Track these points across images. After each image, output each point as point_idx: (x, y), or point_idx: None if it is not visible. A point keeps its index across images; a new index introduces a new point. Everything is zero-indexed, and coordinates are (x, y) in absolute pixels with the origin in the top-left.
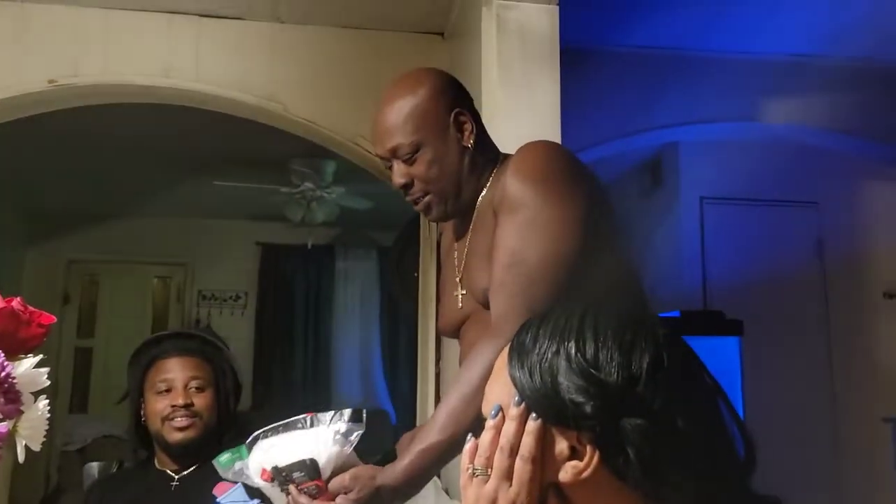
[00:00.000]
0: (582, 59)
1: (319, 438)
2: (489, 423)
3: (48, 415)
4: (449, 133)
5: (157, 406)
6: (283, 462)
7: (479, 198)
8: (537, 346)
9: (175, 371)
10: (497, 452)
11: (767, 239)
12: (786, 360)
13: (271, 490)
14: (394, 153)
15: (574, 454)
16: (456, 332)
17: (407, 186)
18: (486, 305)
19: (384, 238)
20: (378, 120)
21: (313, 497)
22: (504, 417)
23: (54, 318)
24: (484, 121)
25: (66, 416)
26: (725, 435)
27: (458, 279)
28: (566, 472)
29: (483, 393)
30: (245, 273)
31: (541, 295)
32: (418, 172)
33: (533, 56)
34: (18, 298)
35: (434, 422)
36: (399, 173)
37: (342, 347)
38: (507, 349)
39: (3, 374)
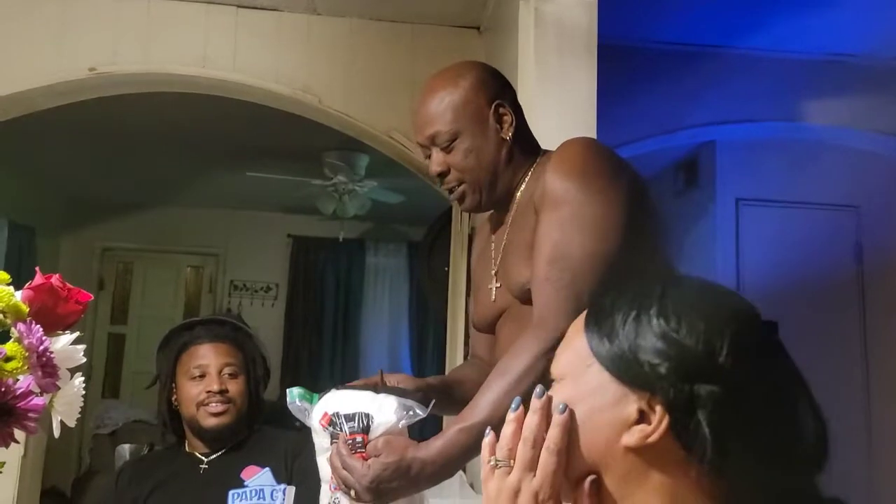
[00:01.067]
0: (619, 55)
1: (384, 403)
2: (510, 416)
3: (83, 393)
4: (488, 124)
5: (192, 391)
6: (344, 410)
7: (518, 192)
8: (617, 309)
9: (209, 357)
10: (520, 444)
11: (804, 242)
12: (821, 365)
13: (322, 436)
14: (432, 140)
15: (642, 418)
16: (491, 327)
17: (443, 174)
18: (523, 300)
19: (415, 233)
20: (419, 107)
21: (354, 450)
22: (524, 410)
23: (91, 296)
24: None
25: (98, 401)
26: (800, 423)
27: (493, 272)
28: (632, 436)
29: (524, 385)
30: (276, 265)
31: (585, 290)
32: (455, 161)
33: (570, 51)
34: (57, 275)
35: (474, 407)
36: (436, 161)
37: (371, 341)
38: (583, 314)
39: (42, 348)
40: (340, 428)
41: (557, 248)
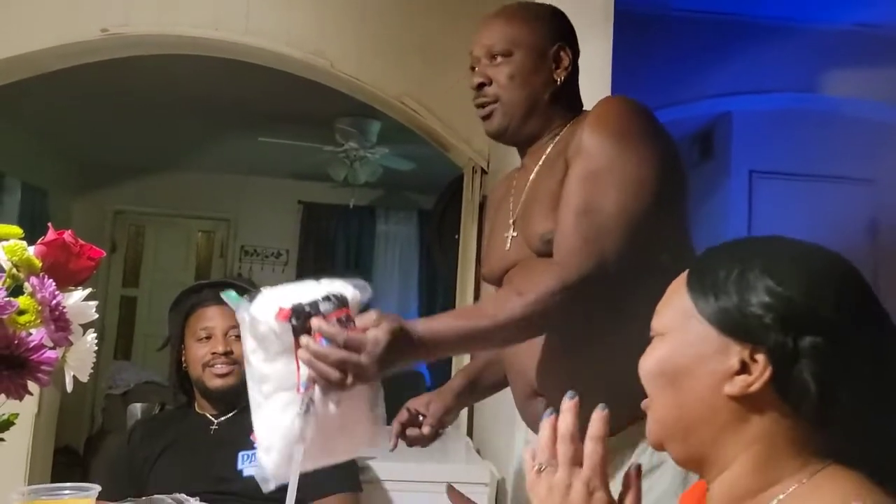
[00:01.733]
0: (636, 22)
1: (334, 285)
2: (544, 422)
3: (95, 349)
4: (545, 59)
5: (198, 353)
6: (304, 300)
7: (551, 144)
8: (720, 266)
9: (215, 319)
10: (559, 443)
11: (818, 216)
12: None
13: (280, 336)
14: (487, 51)
15: (743, 369)
16: (500, 280)
17: (482, 86)
18: (540, 252)
19: (425, 201)
20: (485, 20)
21: (344, 326)
22: (556, 416)
23: (103, 253)
24: None
25: (111, 361)
26: None
27: (511, 221)
28: (734, 385)
29: (530, 311)
30: (287, 231)
31: (611, 246)
32: (499, 77)
33: (586, 17)
34: (70, 231)
35: (480, 306)
36: (480, 73)
37: (380, 307)
38: (685, 273)
39: (54, 302)
40: (310, 314)
41: (589, 201)
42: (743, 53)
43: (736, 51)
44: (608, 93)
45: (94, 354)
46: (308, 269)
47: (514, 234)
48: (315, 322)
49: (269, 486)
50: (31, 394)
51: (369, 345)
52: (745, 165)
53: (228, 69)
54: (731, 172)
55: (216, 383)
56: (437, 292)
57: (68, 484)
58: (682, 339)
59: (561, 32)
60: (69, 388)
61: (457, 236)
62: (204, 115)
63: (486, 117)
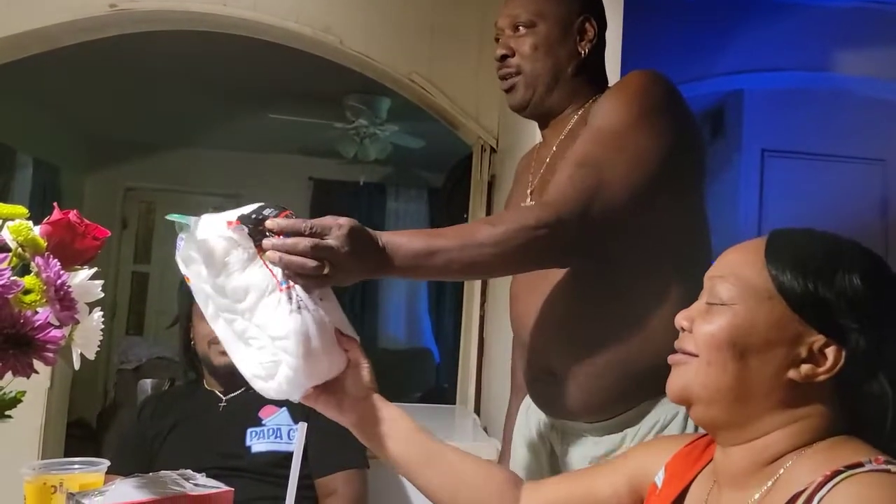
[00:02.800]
0: (646, 1)
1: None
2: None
3: (102, 327)
4: (570, 31)
5: (204, 329)
6: (247, 210)
7: (574, 118)
8: (809, 254)
9: None
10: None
11: (829, 195)
12: None
13: (238, 238)
14: (511, 21)
15: (810, 358)
16: None
17: (505, 57)
18: None
19: (436, 179)
20: None
21: None
22: None
23: (109, 232)
24: None
25: (123, 337)
26: None
27: (529, 191)
28: (798, 372)
29: (499, 247)
30: (297, 207)
31: (600, 204)
32: (522, 48)
33: None
34: (74, 211)
35: (450, 228)
36: (503, 44)
37: (389, 286)
38: (762, 247)
39: (59, 281)
40: (259, 219)
41: (590, 155)
42: (754, 31)
43: (747, 29)
44: (618, 71)
45: (102, 332)
46: None
47: (531, 202)
48: (270, 222)
49: (295, 396)
50: (37, 372)
51: (334, 228)
52: (756, 144)
53: (238, 46)
54: (742, 151)
55: (221, 360)
56: None
57: (78, 459)
58: (758, 317)
59: (587, 4)
60: (76, 365)
61: (465, 215)
62: (214, 91)
63: (508, 90)
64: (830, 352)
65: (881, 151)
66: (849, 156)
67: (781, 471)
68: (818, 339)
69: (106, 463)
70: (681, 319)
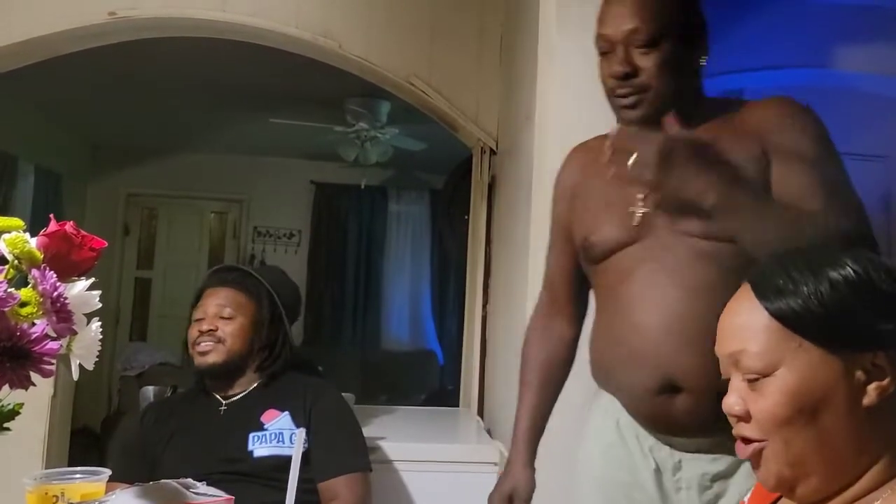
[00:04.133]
0: None
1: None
2: None
3: (101, 336)
4: (691, 45)
5: (191, 333)
6: None
7: (701, 126)
8: (799, 281)
9: (209, 300)
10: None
11: None
12: None
13: None
14: (627, 36)
15: (870, 377)
16: (608, 252)
17: (628, 76)
18: (699, 234)
19: (437, 181)
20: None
21: None
22: None
23: (105, 243)
24: (539, 63)
25: (126, 344)
26: None
27: (641, 196)
28: (870, 396)
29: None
30: (299, 211)
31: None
32: (648, 67)
33: None
34: (71, 223)
35: None
36: (623, 60)
37: (392, 288)
38: (753, 297)
39: (56, 293)
40: None
41: (834, 194)
42: (754, 29)
43: (747, 26)
44: None
45: (101, 342)
46: (321, 249)
47: (646, 209)
48: None
49: None
50: (34, 385)
51: None
52: None
53: (239, 50)
54: None
55: (199, 361)
56: (449, 272)
57: (79, 468)
58: (800, 370)
59: (698, 12)
60: (75, 375)
61: (466, 216)
62: (215, 96)
63: (631, 106)
64: (881, 360)
65: (883, 148)
66: (850, 153)
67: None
68: (864, 356)
69: (107, 472)
70: (732, 409)
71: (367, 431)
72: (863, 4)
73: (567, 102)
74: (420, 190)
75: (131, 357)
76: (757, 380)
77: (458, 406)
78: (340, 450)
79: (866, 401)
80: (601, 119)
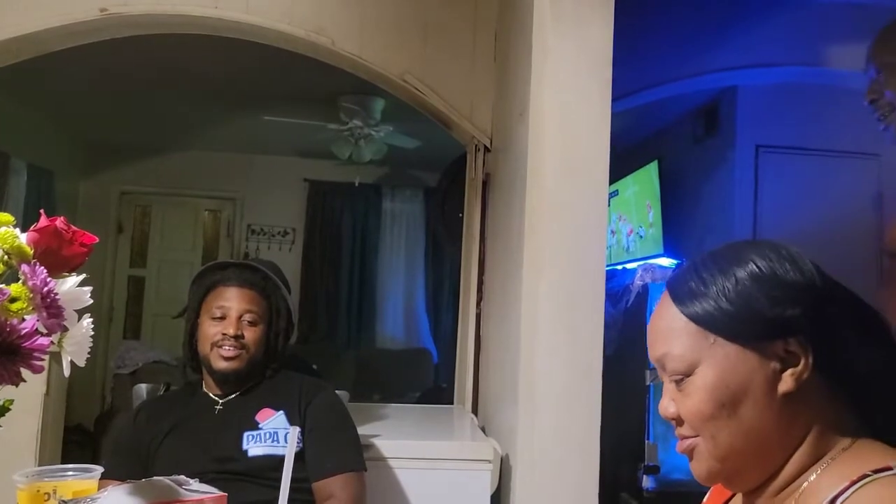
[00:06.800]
0: None
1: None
2: None
3: (92, 333)
4: None
5: (210, 330)
6: None
7: None
8: (710, 283)
9: (233, 300)
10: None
11: (824, 191)
12: None
13: None
14: (879, 63)
15: (786, 364)
16: None
17: (874, 101)
18: None
19: (431, 178)
20: (879, 34)
21: None
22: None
23: (97, 238)
24: (533, 60)
25: (120, 341)
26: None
27: None
28: (786, 383)
29: None
30: (293, 209)
31: None
32: (891, 89)
33: None
34: (62, 218)
35: None
36: (871, 88)
37: (387, 286)
38: (670, 301)
39: (46, 289)
40: None
41: None
42: (747, 27)
43: (740, 25)
44: (609, 69)
45: (93, 339)
46: (315, 247)
47: None
48: None
49: None
50: (24, 381)
51: None
52: (750, 140)
53: (232, 47)
54: (736, 147)
55: (221, 365)
56: (443, 270)
57: (71, 465)
58: (717, 367)
59: None
60: (66, 372)
61: (461, 214)
62: (209, 94)
63: (885, 127)
64: (794, 347)
65: (875, 146)
66: (843, 150)
67: (805, 484)
68: (776, 345)
69: (100, 470)
70: (665, 412)
71: (362, 429)
72: (854, 3)
73: (561, 99)
74: (414, 188)
75: (125, 355)
76: (682, 380)
77: (452, 404)
78: (335, 449)
79: (783, 388)
80: (594, 115)
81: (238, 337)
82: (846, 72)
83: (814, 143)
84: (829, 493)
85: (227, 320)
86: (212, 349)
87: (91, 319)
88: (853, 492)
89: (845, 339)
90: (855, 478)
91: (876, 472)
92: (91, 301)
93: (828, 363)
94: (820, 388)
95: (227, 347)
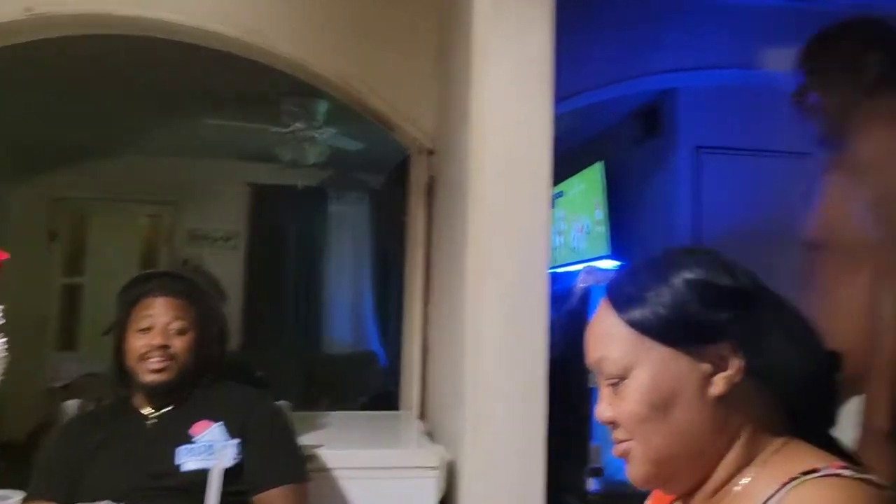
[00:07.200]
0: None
1: None
2: None
3: (4, 354)
4: (854, 70)
5: (136, 343)
6: None
7: None
8: (645, 288)
9: (158, 310)
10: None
11: (765, 191)
12: None
13: None
14: (804, 67)
15: (717, 368)
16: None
17: (799, 102)
18: None
19: (377, 181)
20: (807, 41)
21: None
22: None
23: (7, 255)
24: (474, 62)
25: (52, 354)
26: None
27: None
28: (718, 386)
29: None
30: (236, 213)
31: None
32: (814, 92)
33: None
34: None
35: None
36: (798, 89)
37: (333, 289)
38: (608, 306)
39: None
40: None
41: None
42: (686, 30)
43: (680, 27)
44: (551, 71)
45: (6, 358)
46: (259, 252)
47: None
48: None
49: None
50: None
51: None
52: (691, 141)
53: (171, 49)
54: (677, 148)
55: (149, 378)
56: (391, 273)
57: None
58: (651, 369)
59: (869, 43)
60: None
61: (405, 217)
62: (146, 96)
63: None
64: (725, 351)
65: (810, 145)
66: (783, 150)
67: (738, 487)
68: (708, 350)
69: (16, 497)
70: (601, 416)
71: (305, 439)
72: (790, 6)
73: (503, 102)
74: (360, 190)
75: (60, 367)
76: (618, 384)
77: (399, 409)
78: (275, 461)
79: (715, 391)
80: (536, 118)
81: (165, 347)
82: (783, 74)
83: (754, 144)
84: (761, 497)
85: (154, 331)
86: (139, 362)
87: (5, 339)
88: (783, 494)
89: (775, 342)
90: (785, 480)
91: (804, 473)
92: (3, 321)
93: (758, 366)
94: (751, 391)
95: (154, 359)
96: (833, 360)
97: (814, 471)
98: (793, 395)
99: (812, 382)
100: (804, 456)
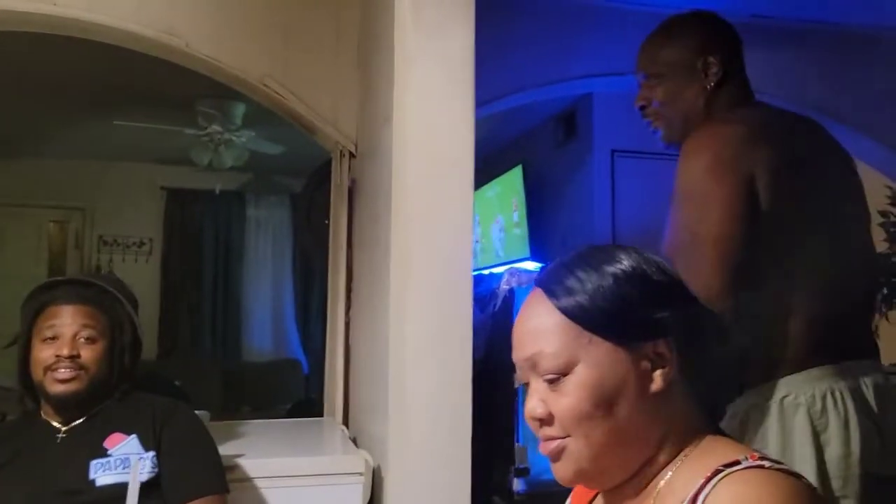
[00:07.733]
0: (499, 5)
1: None
2: None
3: None
4: (694, 72)
5: (42, 354)
6: None
7: None
8: (584, 279)
9: (65, 318)
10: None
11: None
12: None
13: None
14: (642, 72)
15: (655, 364)
16: None
17: (643, 108)
18: None
19: (297, 185)
20: (643, 43)
21: None
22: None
23: None
24: (396, 66)
25: None
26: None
27: None
28: (657, 383)
29: None
30: (149, 219)
31: None
32: (656, 97)
33: (447, 3)
34: None
35: None
36: (640, 95)
37: (253, 295)
38: (545, 300)
39: None
40: None
41: None
42: (603, 36)
43: (596, 34)
44: (471, 76)
45: None
46: (174, 258)
47: None
48: None
49: None
50: None
51: None
52: (606, 144)
53: (78, 47)
54: (594, 151)
55: (58, 389)
56: (312, 278)
57: None
58: (595, 365)
59: (704, 42)
60: None
61: (327, 221)
62: (53, 97)
63: (654, 130)
64: (662, 348)
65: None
66: None
67: (662, 482)
68: (647, 346)
69: None
70: (534, 412)
71: (225, 449)
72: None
73: (424, 105)
74: (280, 194)
75: None
76: (557, 379)
77: (323, 416)
78: (193, 472)
79: (654, 387)
80: (458, 120)
81: (74, 357)
82: None
83: (662, 148)
84: (685, 492)
85: (61, 340)
86: (45, 373)
87: None
88: (712, 488)
89: (702, 340)
90: (709, 474)
91: (727, 466)
92: None
93: (686, 363)
94: (678, 387)
95: (62, 370)
96: (744, 357)
97: (735, 462)
98: (712, 390)
99: (727, 378)
100: (723, 448)
